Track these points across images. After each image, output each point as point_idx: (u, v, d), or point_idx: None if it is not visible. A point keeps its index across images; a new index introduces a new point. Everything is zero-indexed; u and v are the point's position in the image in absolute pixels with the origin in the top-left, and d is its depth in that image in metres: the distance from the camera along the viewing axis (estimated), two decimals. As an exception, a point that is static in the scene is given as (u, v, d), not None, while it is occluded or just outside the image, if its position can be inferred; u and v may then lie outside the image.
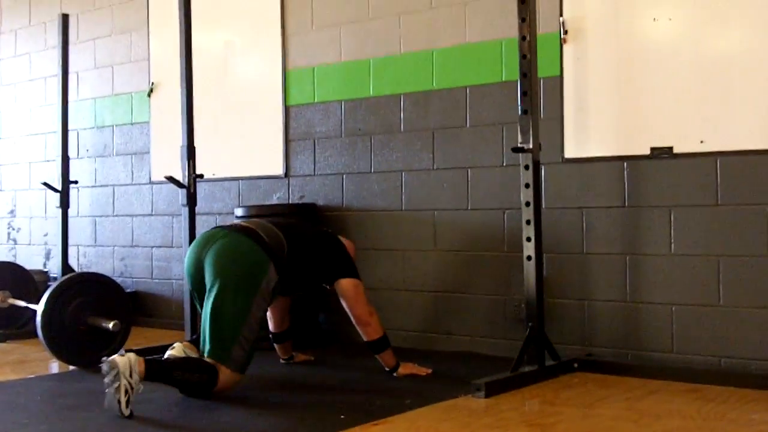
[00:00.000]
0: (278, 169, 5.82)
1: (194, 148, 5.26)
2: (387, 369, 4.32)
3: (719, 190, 4.16)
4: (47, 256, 7.29)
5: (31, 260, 7.14)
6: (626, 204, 4.42)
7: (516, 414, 3.51)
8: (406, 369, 4.31)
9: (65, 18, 6.40)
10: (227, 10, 6.14)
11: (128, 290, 6.33)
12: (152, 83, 6.58)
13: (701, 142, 4.19)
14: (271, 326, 4.66)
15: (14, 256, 7.48)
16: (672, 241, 4.28)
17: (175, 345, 4.18)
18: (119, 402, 3.51)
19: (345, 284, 4.29)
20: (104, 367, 3.55)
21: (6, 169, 7.75)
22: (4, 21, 7.84)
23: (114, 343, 4.78)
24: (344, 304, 4.31)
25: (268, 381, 4.36)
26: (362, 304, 4.28)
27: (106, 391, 3.55)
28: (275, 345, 4.72)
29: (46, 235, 7.32)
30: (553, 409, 3.63)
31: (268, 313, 4.58)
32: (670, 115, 4.31)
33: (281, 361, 4.74)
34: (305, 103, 5.66)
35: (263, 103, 5.92)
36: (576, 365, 4.32)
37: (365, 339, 4.31)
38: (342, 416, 3.46)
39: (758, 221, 4.06)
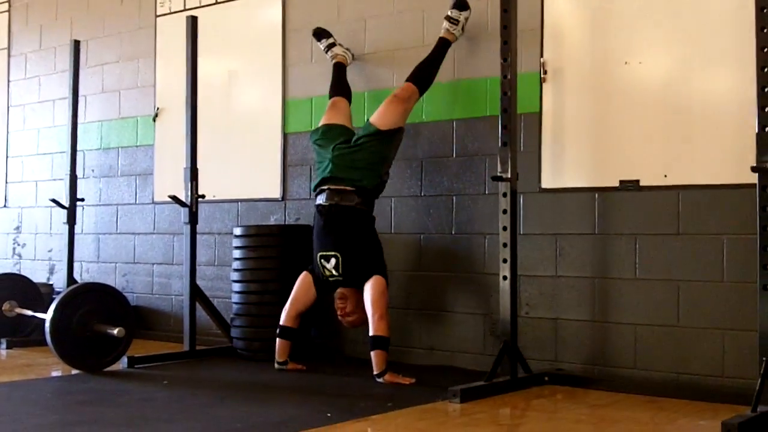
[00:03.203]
0: (276, 193, 6.07)
1: (197, 169, 5.58)
2: (375, 372, 4.59)
3: (680, 220, 4.46)
4: (51, 271, 7.53)
5: (35, 275, 7.33)
6: (596, 231, 4.72)
7: (487, 416, 3.84)
8: (391, 377, 4.59)
9: (77, 44, 6.73)
10: (231, 42, 6.39)
11: (129, 304, 6.60)
12: (157, 108, 6.82)
13: (665, 176, 4.49)
14: (284, 318, 4.95)
15: (19, 270, 7.67)
16: (637, 266, 4.59)
17: None
18: None
19: (378, 280, 4.70)
20: None
21: (13, 186, 7.99)
22: (15, 44, 8.07)
23: (118, 348, 5.06)
24: (368, 297, 4.67)
25: (260, 385, 4.65)
26: (385, 301, 4.67)
27: None
28: (278, 340, 4.98)
29: (50, 250, 7.56)
30: (522, 413, 3.99)
31: (288, 304, 4.97)
32: (637, 150, 4.61)
33: (276, 365, 4.99)
34: (303, 131, 5.91)
35: (263, 129, 6.16)
36: (546, 378, 4.62)
37: (372, 333, 4.61)
38: (329, 414, 3.77)
39: (715, 250, 4.35)
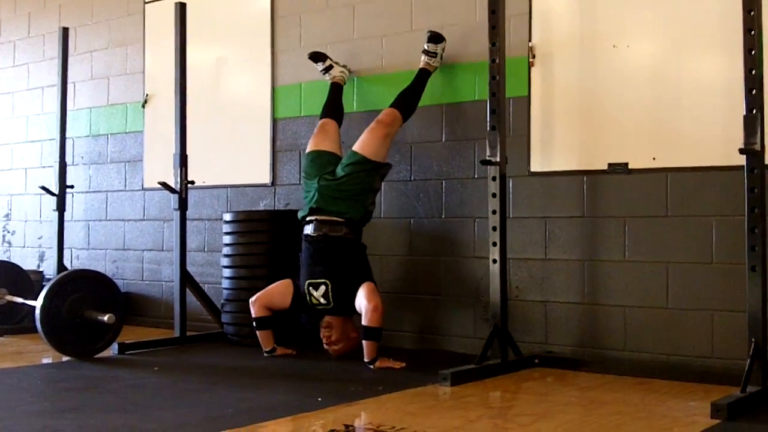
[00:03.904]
0: (265, 178, 6.08)
1: (186, 156, 5.58)
2: (366, 360, 4.61)
3: (669, 202, 4.48)
4: (41, 258, 7.54)
5: (25, 262, 7.35)
6: (585, 214, 4.74)
7: (477, 399, 3.86)
8: (382, 363, 4.61)
9: (65, 31, 6.70)
10: (220, 28, 6.39)
11: (119, 291, 6.60)
12: (146, 95, 6.82)
13: (653, 158, 4.52)
14: (255, 310, 4.97)
15: (9, 257, 7.69)
16: (626, 248, 4.61)
17: None
18: None
19: (370, 285, 4.74)
20: None
21: (2, 174, 7.98)
22: (3, 32, 8.05)
23: (108, 334, 5.06)
24: (362, 295, 4.68)
25: (250, 370, 4.67)
26: (379, 296, 4.71)
27: None
28: (258, 332, 5.01)
29: (40, 238, 7.57)
30: (512, 396, 4.00)
31: (256, 297, 4.99)
32: (626, 133, 4.63)
33: (264, 353, 5.02)
34: (292, 117, 5.94)
35: (252, 115, 6.16)
36: (537, 361, 4.65)
37: (365, 323, 4.62)
38: (319, 399, 3.78)
39: (704, 231, 4.38)
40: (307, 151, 5.23)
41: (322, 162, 5.09)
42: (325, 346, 4.94)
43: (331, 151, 5.18)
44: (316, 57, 5.59)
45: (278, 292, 5.01)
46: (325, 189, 4.95)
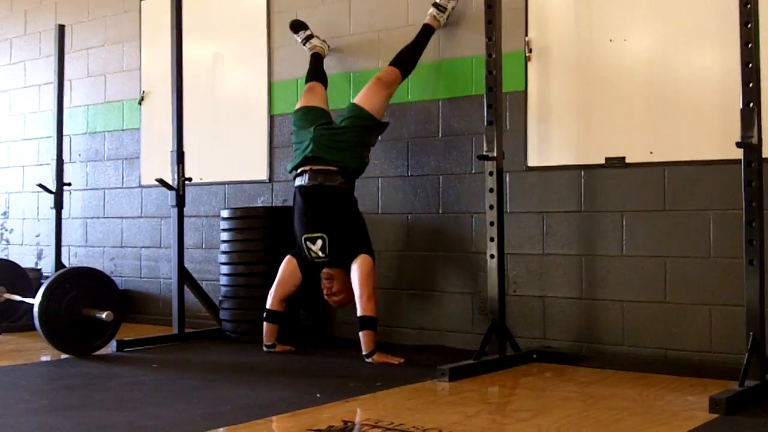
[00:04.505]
0: (262, 175, 6.08)
1: (183, 152, 5.57)
2: (364, 352, 4.61)
3: (666, 196, 4.48)
4: (39, 256, 7.54)
5: (23, 260, 7.33)
6: (583, 209, 4.74)
7: (476, 394, 3.86)
8: (380, 357, 4.61)
9: (61, 28, 6.71)
10: (216, 24, 6.38)
11: (117, 288, 6.60)
12: (143, 92, 6.81)
13: (651, 152, 4.52)
14: (270, 302, 4.95)
15: (7, 255, 7.68)
16: (623, 243, 4.61)
17: None
18: None
19: (365, 259, 4.70)
20: None
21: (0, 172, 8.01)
22: (-1, 30, 8.11)
23: (107, 332, 5.06)
24: (355, 277, 4.67)
25: (249, 366, 4.66)
26: (372, 281, 4.67)
27: None
28: (265, 324, 4.98)
29: (38, 235, 7.57)
30: (510, 391, 4.00)
31: (273, 288, 4.97)
32: (623, 128, 4.62)
33: (264, 348, 5.01)
34: (289, 113, 5.85)
35: (249, 112, 6.15)
36: (535, 356, 4.65)
37: (360, 313, 4.62)
38: (318, 395, 3.78)
39: (702, 225, 4.38)
40: (297, 107, 5.20)
41: (314, 115, 5.06)
42: (325, 296, 4.94)
43: (321, 107, 5.17)
44: (297, 27, 5.62)
45: (287, 275, 4.98)
46: (320, 138, 4.89)
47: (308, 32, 5.61)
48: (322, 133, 4.91)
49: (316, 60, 5.55)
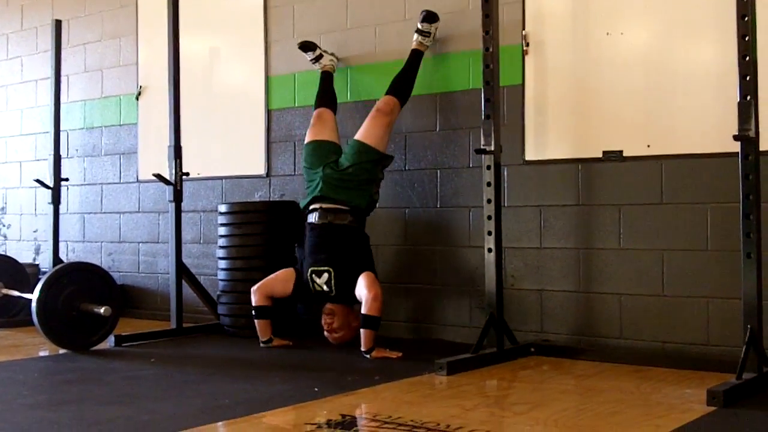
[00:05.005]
0: (260, 169, 6.07)
1: (181, 147, 5.57)
2: (363, 349, 4.61)
3: (663, 190, 4.48)
4: (37, 251, 7.53)
5: (20, 255, 7.32)
6: (580, 202, 4.74)
7: (473, 388, 3.87)
8: (379, 352, 4.61)
9: (58, 23, 6.68)
10: (213, 19, 6.36)
11: (115, 283, 6.60)
12: (140, 87, 6.80)
13: (648, 146, 4.52)
14: (256, 299, 4.95)
15: (4, 251, 7.67)
16: (621, 236, 4.61)
17: None
18: None
19: (371, 275, 4.74)
20: None
21: (-3, 167, 8.01)
22: (-5, 25, 8.08)
23: (105, 327, 5.06)
24: (362, 284, 4.68)
25: (247, 361, 4.67)
26: (379, 286, 4.70)
27: None
28: (257, 321, 4.99)
29: (35, 231, 7.56)
30: (508, 384, 4.01)
31: (257, 286, 4.97)
32: (620, 121, 4.62)
33: (261, 343, 5.01)
34: (286, 107, 5.93)
35: (246, 106, 6.14)
36: (533, 349, 4.66)
37: (365, 312, 4.61)
38: (316, 389, 3.79)
39: (698, 218, 4.38)
40: (307, 141, 5.22)
41: (323, 152, 5.09)
42: (325, 333, 4.95)
43: (331, 140, 5.18)
44: (306, 47, 5.58)
45: (280, 279, 5.01)
46: (329, 178, 4.95)
47: (318, 52, 5.57)
48: (330, 173, 4.96)
49: (327, 80, 5.55)
